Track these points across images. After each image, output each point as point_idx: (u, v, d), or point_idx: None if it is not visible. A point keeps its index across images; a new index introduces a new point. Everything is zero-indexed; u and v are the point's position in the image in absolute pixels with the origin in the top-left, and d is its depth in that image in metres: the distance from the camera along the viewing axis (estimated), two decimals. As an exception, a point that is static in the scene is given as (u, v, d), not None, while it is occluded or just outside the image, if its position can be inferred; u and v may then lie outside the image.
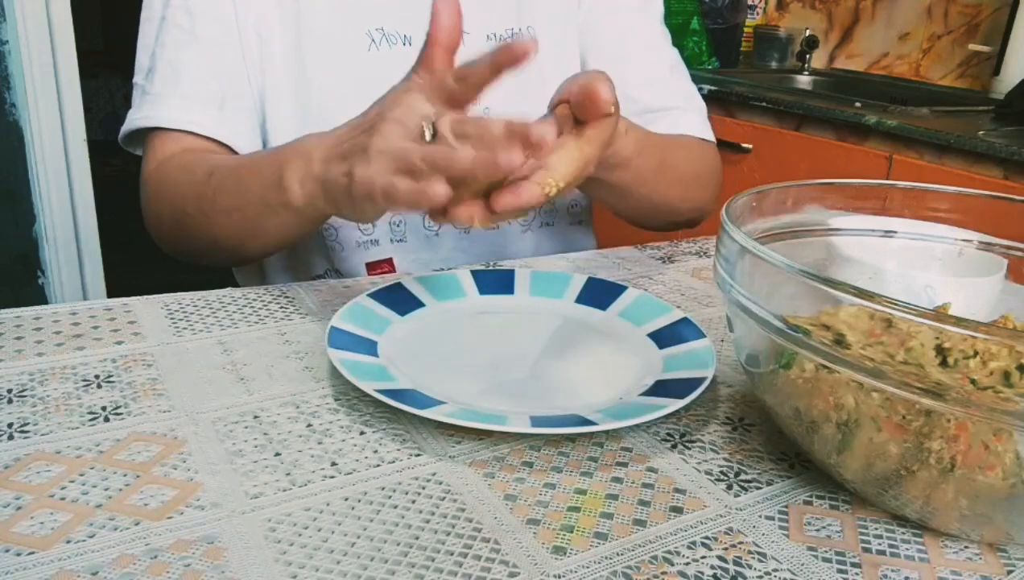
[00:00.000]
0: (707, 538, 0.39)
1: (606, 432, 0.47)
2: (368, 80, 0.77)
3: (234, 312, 0.60)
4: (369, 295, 0.59)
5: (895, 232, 0.56)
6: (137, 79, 0.77)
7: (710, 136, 0.88)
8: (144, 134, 0.75)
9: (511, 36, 0.83)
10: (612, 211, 0.79)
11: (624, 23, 0.87)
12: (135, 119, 0.74)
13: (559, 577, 0.36)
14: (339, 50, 0.76)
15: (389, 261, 0.80)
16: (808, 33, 2.35)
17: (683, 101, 0.87)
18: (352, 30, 0.77)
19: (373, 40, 0.78)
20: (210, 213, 0.65)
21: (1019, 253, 0.53)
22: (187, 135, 0.73)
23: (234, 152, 0.74)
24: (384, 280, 0.64)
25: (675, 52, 0.91)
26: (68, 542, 0.36)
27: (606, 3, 0.87)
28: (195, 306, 0.61)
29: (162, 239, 0.74)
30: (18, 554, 0.35)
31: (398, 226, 0.80)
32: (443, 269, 0.69)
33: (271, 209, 0.61)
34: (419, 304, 0.61)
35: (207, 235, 0.67)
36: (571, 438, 0.47)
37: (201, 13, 0.74)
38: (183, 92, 0.73)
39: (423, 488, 0.42)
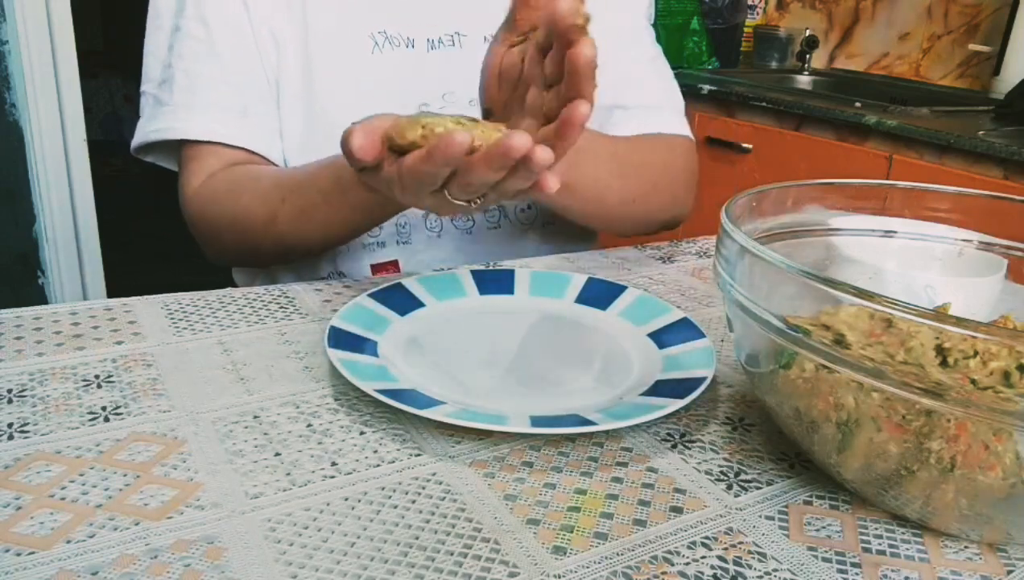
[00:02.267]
0: (707, 538, 0.39)
1: (606, 432, 0.47)
2: (372, 82, 0.77)
3: (234, 312, 0.60)
4: (369, 295, 0.59)
5: (895, 232, 0.56)
6: (147, 88, 0.77)
7: (686, 132, 0.87)
8: (161, 144, 0.77)
9: None
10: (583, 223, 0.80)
11: (607, 20, 0.86)
12: (154, 130, 0.75)
13: (559, 577, 0.36)
14: (344, 52, 0.77)
15: (394, 262, 0.80)
16: (808, 33, 2.35)
17: (658, 98, 0.87)
18: (356, 33, 0.78)
19: (376, 43, 0.78)
20: (283, 224, 0.68)
21: (1019, 253, 0.53)
22: (219, 147, 0.74)
23: (265, 159, 0.76)
24: (385, 280, 0.64)
25: (656, 49, 0.90)
26: (68, 542, 0.36)
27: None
28: (195, 306, 0.61)
29: (216, 251, 0.76)
30: (18, 554, 0.35)
31: (403, 228, 0.80)
32: (443, 269, 0.69)
33: (341, 209, 0.65)
34: (419, 304, 0.61)
35: (277, 243, 0.70)
36: (571, 438, 0.47)
37: (216, 22, 0.74)
38: (205, 103, 0.74)
39: (423, 488, 0.42)
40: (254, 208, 0.69)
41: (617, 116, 0.84)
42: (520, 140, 0.45)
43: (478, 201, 0.52)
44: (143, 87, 0.78)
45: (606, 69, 0.85)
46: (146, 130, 0.76)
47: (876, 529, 0.41)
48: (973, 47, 2.07)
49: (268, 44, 0.76)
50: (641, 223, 0.81)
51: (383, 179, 0.51)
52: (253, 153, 0.75)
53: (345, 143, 0.50)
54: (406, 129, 0.49)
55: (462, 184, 0.49)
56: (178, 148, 0.77)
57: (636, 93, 0.86)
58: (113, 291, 1.72)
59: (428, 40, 0.80)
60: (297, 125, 0.77)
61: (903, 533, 0.41)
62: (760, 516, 0.41)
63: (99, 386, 0.49)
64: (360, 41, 0.78)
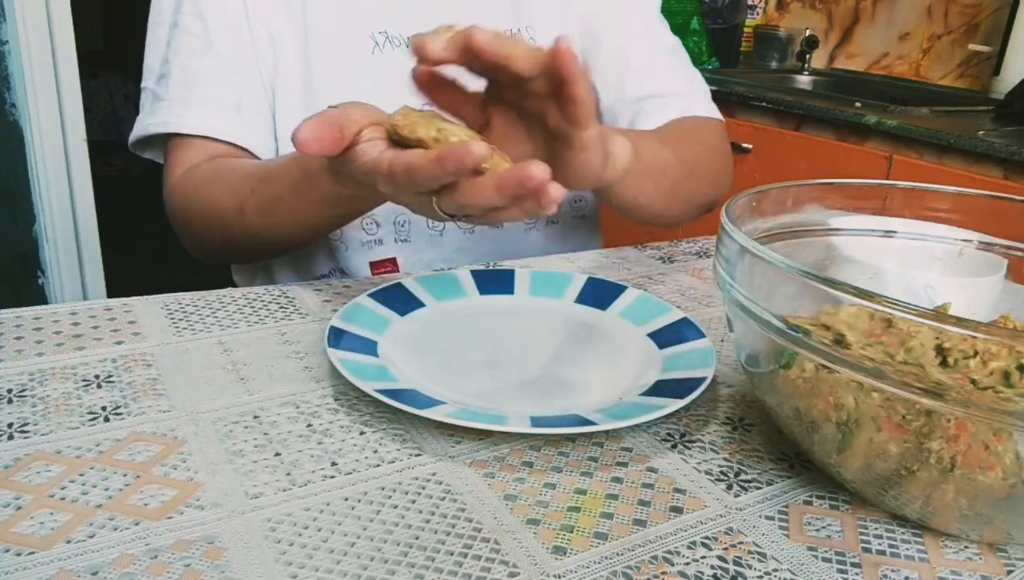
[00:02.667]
0: (707, 538, 0.39)
1: (606, 432, 0.47)
2: (372, 82, 0.77)
3: (234, 312, 0.60)
4: (369, 295, 0.59)
5: (895, 232, 0.56)
6: (147, 83, 0.77)
7: (717, 115, 0.88)
8: (157, 140, 0.76)
9: (510, 36, 0.83)
10: (628, 217, 0.79)
11: (620, 13, 0.87)
12: (150, 124, 0.75)
13: (559, 577, 0.36)
14: (344, 52, 0.77)
15: (393, 261, 0.80)
16: (808, 33, 2.35)
17: (685, 84, 0.87)
18: (356, 33, 0.78)
19: (376, 43, 0.78)
20: (251, 215, 0.66)
21: (1019, 253, 0.53)
22: (207, 141, 0.74)
23: (253, 155, 0.76)
24: (385, 280, 0.64)
25: (674, 38, 0.91)
26: (68, 542, 0.36)
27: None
28: (195, 306, 0.61)
29: (194, 245, 0.75)
30: (18, 554, 0.35)
31: (403, 226, 0.80)
32: (443, 269, 0.69)
33: (308, 201, 0.62)
34: (419, 304, 0.61)
35: (247, 236, 0.68)
36: (571, 438, 0.47)
37: (214, 19, 0.74)
38: (201, 98, 0.74)
39: (423, 488, 0.42)
40: (224, 199, 0.68)
41: (651, 105, 0.84)
42: (539, 170, 0.44)
43: (464, 217, 0.50)
44: (143, 83, 0.78)
45: (630, 63, 0.85)
46: (143, 124, 0.76)
47: (876, 529, 0.41)
48: (973, 47, 2.07)
49: (265, 44, 0.76)
50: (689, 204, 0.80)
51: (366, 165, 0.49)
52: (243, 149, 0.75)
53: (293, 134, 0.48)
54: (418, 125, 0.47)
55: (459, 202, 0.47)
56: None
57: (664, 82, 0.86)
58: (113, 291, 1.72)
59: None
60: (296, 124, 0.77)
61: (903, 533, 0.41)
62: (760, 516, 0.41)
63: (99, 386, 0.49)
64: (360, 41, 0.78)
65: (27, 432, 0.44)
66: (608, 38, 0.86)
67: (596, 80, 0.87)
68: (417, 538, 0.38)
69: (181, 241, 0.77)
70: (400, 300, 0.60)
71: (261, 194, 0.65)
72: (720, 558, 0.38)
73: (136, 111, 0.78)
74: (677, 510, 0.41)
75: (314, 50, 0.76)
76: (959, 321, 0.34)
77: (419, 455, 0.44)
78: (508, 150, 0.52)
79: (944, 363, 0.38)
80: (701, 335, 0.56)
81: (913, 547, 0.40)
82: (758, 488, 0.44)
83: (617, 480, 0.43)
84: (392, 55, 0.79)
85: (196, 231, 0.73)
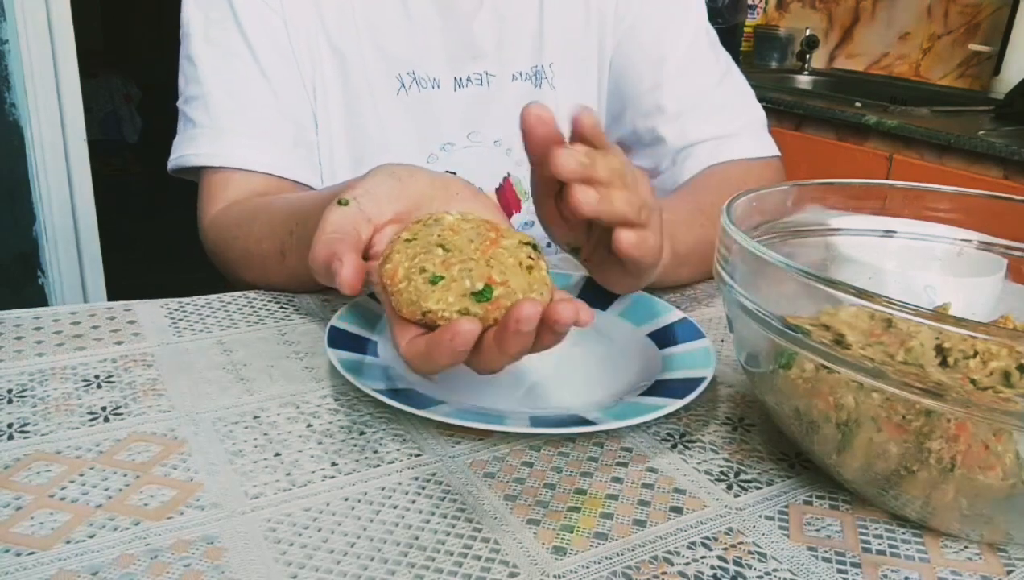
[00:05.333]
0: (707, 538, 0.39)
1: (606, 432, 0.47)
2: (403, 118, 0.77)
3: (234, 312, 0.60)
4: (369, 295, 0.59)
5: (895, 232, 0.56)
6: (187, 110, 0.73)
7: (762, 151, 0.83)
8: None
9: (535, 73, 0.83)
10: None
11: (664, 45, 0.84)
12: (200, 155, 0.71)
13: (559, 577, 0.36)
14: (376, 89, 0.77)
15: None
16: (808, 33, 2.35)
17: (724, 126, 0.82)
18: (386, 73, 0.78)
19: (403, 84, 0.78)
20: (292, 259, 0.61)
21: (1019, 253, 0.53)
22: (252, 174, 0.71)
23: (307, 187, 0.73)
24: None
25: (720, 65, 0.86)
26: (68, 542, 0.36)
27: (638, 28, 0.84)
28: (195, 306, 0.61)
29: (235, 282, 0.72)
30: (18, 554, 0.35)
31: None
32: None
33: None
34: (419, 304, 0.61)
35: (289, 278, 0.64)
36: (571, 438, 0.47)
37: (261, 45, 0.72)
38: (253, 130, 0.71)
39: (423, 488, 0.42)
40: (265, 240, 0.64)
41: (685, 156, 0.81)
42: (529, 310, 0.38)
43: None
44: (180, 103, 0.74)
45: (665, 103, 0.81)
46: (196, 154, 0.71)
47: (876, 529, 0.41)
48: (973, 47, 2.07)
49: (308, 72, 0.74)
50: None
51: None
52: (295, 183, 0.72)
53: (328, 267, 0.44)
54: (422, 296, 0.41)
55: (477, 366, 0.43)
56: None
57: (701, 126, 0.82)
58: (113, 291, 1.72)
59: (455, 79, 0.80)
60: (342, 153, 0.76)
61: (903, 533, 0.41)
62: (760, 516, 0.41)
63: (99, 386, 0.49)
64: (389, 82, 0.77)
65: (27, 432, 0.44)
66: (649, 75, 0.83)
67: (641, 119, 0.84)
68: (417, 538, 0.38)
69: (223, 275, 0.74)
70: (400, 300, 0.60)
71: (300, 236, 0.60)
72: (720, 558, 0.38)
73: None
74: (677, 510, 0.41)
75: (352, 83, 0.76)
76: (959, 321, 0.34)
77: (419, 455, 0.44)
78: (560, 232, 0.54)
79: (944, 363, 0.38)
80: (701, 335, 0.56)
81: (913, 547, 0.40)
82: (758, 488, 0.44)
83: (617, 480, 0.43)
84: (418, 95, 0.78)
85: (235, 271, 0.69)
